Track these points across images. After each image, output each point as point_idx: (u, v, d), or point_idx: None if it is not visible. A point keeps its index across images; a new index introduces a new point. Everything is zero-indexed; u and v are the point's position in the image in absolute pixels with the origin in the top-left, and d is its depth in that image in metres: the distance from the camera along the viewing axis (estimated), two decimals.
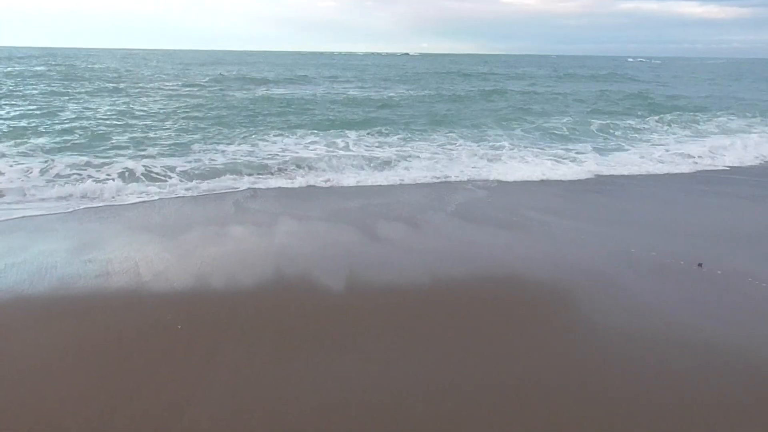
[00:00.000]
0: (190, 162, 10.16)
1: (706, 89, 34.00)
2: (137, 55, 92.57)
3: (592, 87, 33.50)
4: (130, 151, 11.07)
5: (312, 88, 28.40)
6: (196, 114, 17.06)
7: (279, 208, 7.52)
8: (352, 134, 13.55)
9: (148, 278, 4.97)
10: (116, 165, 9.58)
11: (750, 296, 4.86)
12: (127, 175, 9.02)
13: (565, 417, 3.18)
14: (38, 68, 37.58)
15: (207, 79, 32.55)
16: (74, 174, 8.99)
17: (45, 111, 16.50)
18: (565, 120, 17.12)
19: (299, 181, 9.14)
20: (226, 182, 8.87)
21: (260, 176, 9.37)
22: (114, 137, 12.58)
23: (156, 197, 7.99)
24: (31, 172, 8.92)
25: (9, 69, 35.69)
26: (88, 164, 9.63)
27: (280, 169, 9.87)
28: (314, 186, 8.94)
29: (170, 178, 9.02)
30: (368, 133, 13.80)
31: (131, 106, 18.74)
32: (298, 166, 10.04)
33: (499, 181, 9.45)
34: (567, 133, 14.96)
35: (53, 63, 45.69)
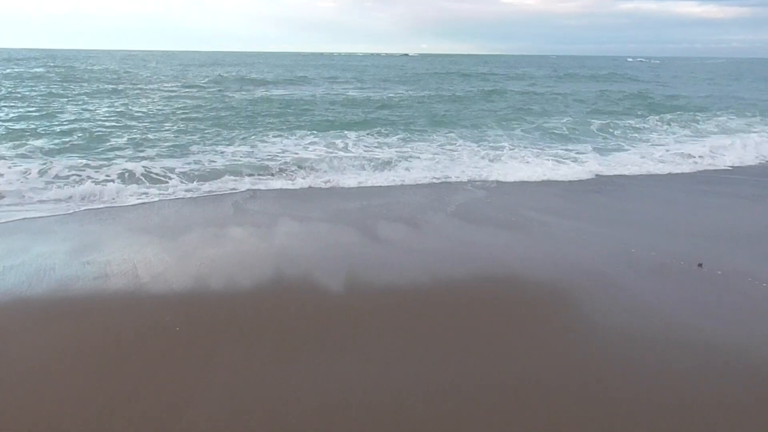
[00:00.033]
0: (189, 163, 10.15)
1: (706, 89, 34.02)
2: (136, 56, 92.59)
3: (592, 87, 33.52)
4: (129, 153, 11.07)
5: (311, 89, 28.41)
6: (195, 115, 17.06)
7: (279, 209, 7.51)
8: (352, 135, 13.54)
9: (148, 280, 4.96)
10: (115, 166, 9.56)
11: (750, 296, 4.85)
12: (127, 176, 9.01)
13: (565, 417, 3.17)
14: (37, 70, 37.61)
15: (206, 80, 32.56)
16: (73, 175, 8.97)
17: (44, 113, 16.50)
18: (565, 120, 17.12)
19: (299, 182, 9.13)
20: (226, 183, 8.86)
21: (260, 177, 9.35)
22: (113, 139, 12.57)
23: (155, 198, 7.98)
24: (30, 174, 8.91)
25: (8, 71, 35.71)
26: (87, 166, 9.61)
27: (279, 170, 9.86)
28: (314, 187, 8.93)
29: (170, 179, 9.01)
30: (368, 134, 13.79)
31: (130, 107, 18.74)
32: (298, 167, 10.04)
33: (500, 182, 9.45)
34: (567, 133, 14.96)
35: (52, 64, 45.72)
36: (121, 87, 26.53)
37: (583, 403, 3.31)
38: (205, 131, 13.91)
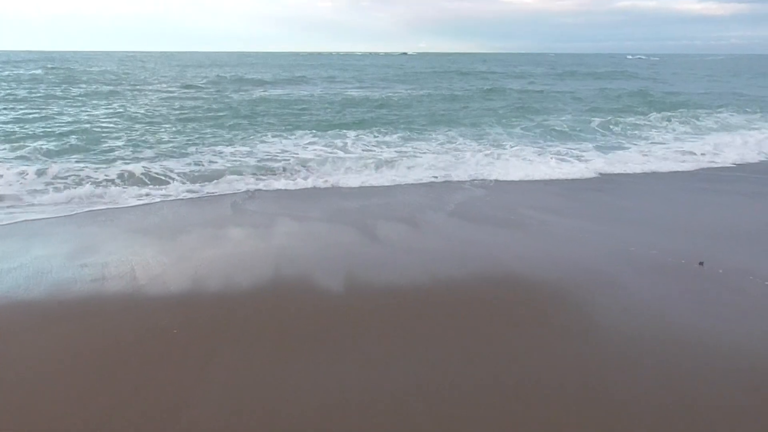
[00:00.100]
0: (189, 164, 10.13)
1: (706, 85, 34.00)
2: (135, 57, 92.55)
3: (591, 85, 33.49)
4: (128, 154, 11.04)
5: (310, 89, 28.40)
6: (194, 116, 17.04)
7: (278, 209, 7.50)
8: (351, 134, 13.53)
9: (146, 281, 4.94)
10: (115, 168, 9.54)
11: (751, 294, 4.83)
12: (126, 177, 8.99)
13: (565, 417, 3.15)
14: (36, 72, 37.57)
15: (205, 80, 32.53)
16: (72, 176, 8.95)
17: (43, 114, 16.49)
18: (565, 118, 17.11)
19: (299, 182, 9.11)
20: (225, 184, 8.84)
21: (259, 178, 9.33)
22: (112, 140, 12.55)
23: (155, 199, 7.97)
24: (29, 176, 8.89)
25: (6, 73, 35.70)
26: (86, 167, 9.59)
27: (279, 171, 9.84)
28: (314, 187, 8.91)
29: (169, 180, 8.99)
30: (367, 133, 13.77)
31: (129, 108, 18.73)
32: (298, 167, 10.02)
33: (501, 180, 9.42)
34: (567, 130, 14.94)
35: (51, 66, 45.66)
36: (119, 88, 26.51)
37: (583, 402, 3.30)
38: (205, 132, 13.90)
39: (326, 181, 9.19)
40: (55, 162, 9.94)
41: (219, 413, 3.17)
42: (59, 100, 20.59)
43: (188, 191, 8.41)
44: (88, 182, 8.58)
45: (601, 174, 10.09)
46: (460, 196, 8.24)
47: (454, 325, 4.25)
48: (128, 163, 9.95)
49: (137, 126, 14.81)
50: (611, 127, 15.64)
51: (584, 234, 6.46)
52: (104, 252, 5.67)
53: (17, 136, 12.77)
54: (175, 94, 24.42)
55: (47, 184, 8.55)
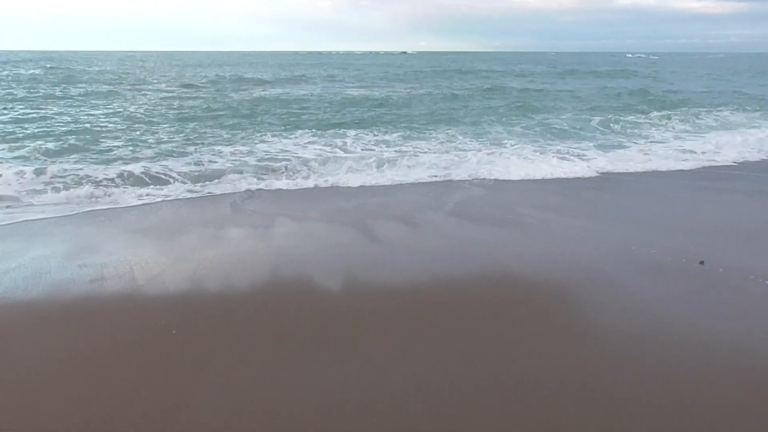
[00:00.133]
0: (188, 164, 10.12)
1: (705, 84, 33.97)
2: (135, 57, 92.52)
3: (592, 83, 33.47)
4: (128, 154, 11.03)
5: (310, 88, 28.37)
6: (193, 115, 17.03)
7: (278, 209, 7.49)
8: (351, 133, 13.52)
9: (146, 282, 4.94)
10: (114, 167, 9.53)
11: (752, 294, 4.82)
12: (126, 176, 8.98)
13: (565, 417, 3.15)
14: (35, 71, 37.56)
15: (204, 80, 32.52)
16: (71, 176, 8.94)
17: (42, 114, 16.48)
18: (565, 116, 17.10)
19: (299, 181, 9.10)
20: (225, 184, 8.83)
21: (259, 177, 9.32)
22: (111, 140, 12.55)
23: (155, 199, 7.96)
24: (27, 176, 8.88)
25: (6, 72, 35.69)
26: (85, 167, 9.59)
27: (279, 170, 9.83)
28: (314, 186, 8.90)
29: (169, 179, 8.98)
30: (367, 133, 13.76)
31: (128, 108, 18.71)
32: (298, 167, 10.00)
33: (501, 180, 9.41)
34: (567, 129, 14.93)
35: (50, 66, 45.65)
36: (119, 88, 26.49)
37: (583, 402, 3.29)
38: (204, 132, 13.88)
39: (326, 180, 9.18)
40: (54, 162, 9.94)
41: (218, 413, 3.16)
42: (58, 100, 20.58)
43: (189, 191, 8.41)
44: (87, 182, 8.57)
45: (601, 173, 10.08)
46: (461, 196, 8.23)
47: (454, 325, 4.24)
48: (128, 163, 9.94)
49: (137, 126, 14.79)
50: (611, 125, 15.63)
51: (584, 233, 6.45)
52: (104, 252, 5.67)
53: (16, 135, 12.76)
54: (174, 94, 24.40)
55: (46, 184, 8.54)
